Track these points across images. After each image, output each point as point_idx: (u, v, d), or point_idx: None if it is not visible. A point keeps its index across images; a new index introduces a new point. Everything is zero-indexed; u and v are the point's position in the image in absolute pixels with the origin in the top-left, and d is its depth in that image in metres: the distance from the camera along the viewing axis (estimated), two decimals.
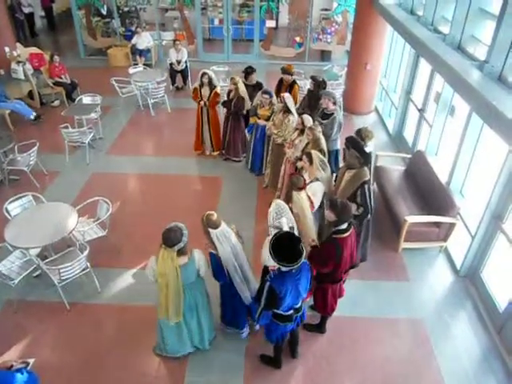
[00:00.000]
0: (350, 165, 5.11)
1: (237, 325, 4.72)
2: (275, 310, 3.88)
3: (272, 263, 4.22)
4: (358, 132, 5.82)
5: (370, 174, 5.44)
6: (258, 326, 4.76)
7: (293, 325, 4.10)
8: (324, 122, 6.50)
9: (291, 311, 3.95)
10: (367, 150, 5.59)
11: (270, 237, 4.02)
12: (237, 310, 4.53)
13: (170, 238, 3.73)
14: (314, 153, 5.23)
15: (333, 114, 6.51)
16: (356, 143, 5.16)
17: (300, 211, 4.76)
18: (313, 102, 7.19)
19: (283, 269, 3.61)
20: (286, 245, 3.58)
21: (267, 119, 7.02)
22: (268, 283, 3.65)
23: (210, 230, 3.91)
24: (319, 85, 7.25)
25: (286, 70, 7.74)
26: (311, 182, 5.16)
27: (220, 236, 3.93)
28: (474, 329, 5.04)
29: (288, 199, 4.98)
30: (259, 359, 4.60)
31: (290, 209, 4.76)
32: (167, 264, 3.78)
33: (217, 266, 4.07)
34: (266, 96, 6.96)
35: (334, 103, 6.52)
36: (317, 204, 5.07)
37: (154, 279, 3.96)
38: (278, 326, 4.02)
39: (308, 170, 5.20)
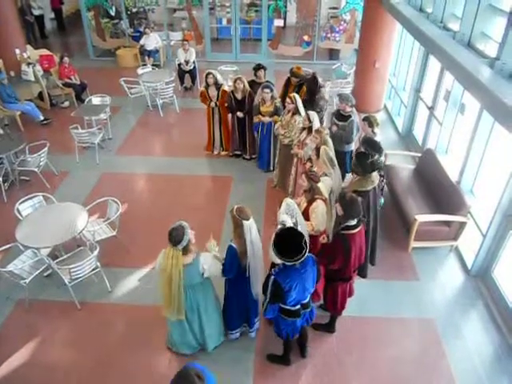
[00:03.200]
0: (353, 170, 5.13)
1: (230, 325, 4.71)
2: (282, 305, 3.89)
3: (277, 260, 4.24)
4: (366, 119, 5.85)
5: (383, 175, 5.43)
6: (253, 334, 4.79)
7: (302, 321, 4.10)
8: (340, 123, 6.45)
9: (298, 306, 3.96)
10: (377, 138, 5.59)
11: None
12: (237, 309, 4.53)
13: (173, 236, 3.78)
14: (323, 148, 5.23)
15: (350, 116, 6.41)
16: (364, 152, 5.14)
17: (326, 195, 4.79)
18: (311, 99, 7.05)
19: (287, 263, 3.65)
20: (289, 240, 3.63)
21: (271, 115, 7.01)
22: (272, 277, 3.71)
23: (244, 221, 3.94)
24: (312, 81, 7.08)
25: (294, 74, 7.64)
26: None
27: (252, 227, 3.98)
28: (486, 328, 4.98)
29: (313, 192, 4.93)
30: (267, 359, 4.59)
31: (323, 200, 4.71)
32: (170, 262, 3.82)
33: (232, 259, 4.05)
34: (267, 90, 6.89)
35: (351, 106, 6.45)
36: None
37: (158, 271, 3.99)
38: (285, 321, 4.03)
39: (315, 164, 5.20)
